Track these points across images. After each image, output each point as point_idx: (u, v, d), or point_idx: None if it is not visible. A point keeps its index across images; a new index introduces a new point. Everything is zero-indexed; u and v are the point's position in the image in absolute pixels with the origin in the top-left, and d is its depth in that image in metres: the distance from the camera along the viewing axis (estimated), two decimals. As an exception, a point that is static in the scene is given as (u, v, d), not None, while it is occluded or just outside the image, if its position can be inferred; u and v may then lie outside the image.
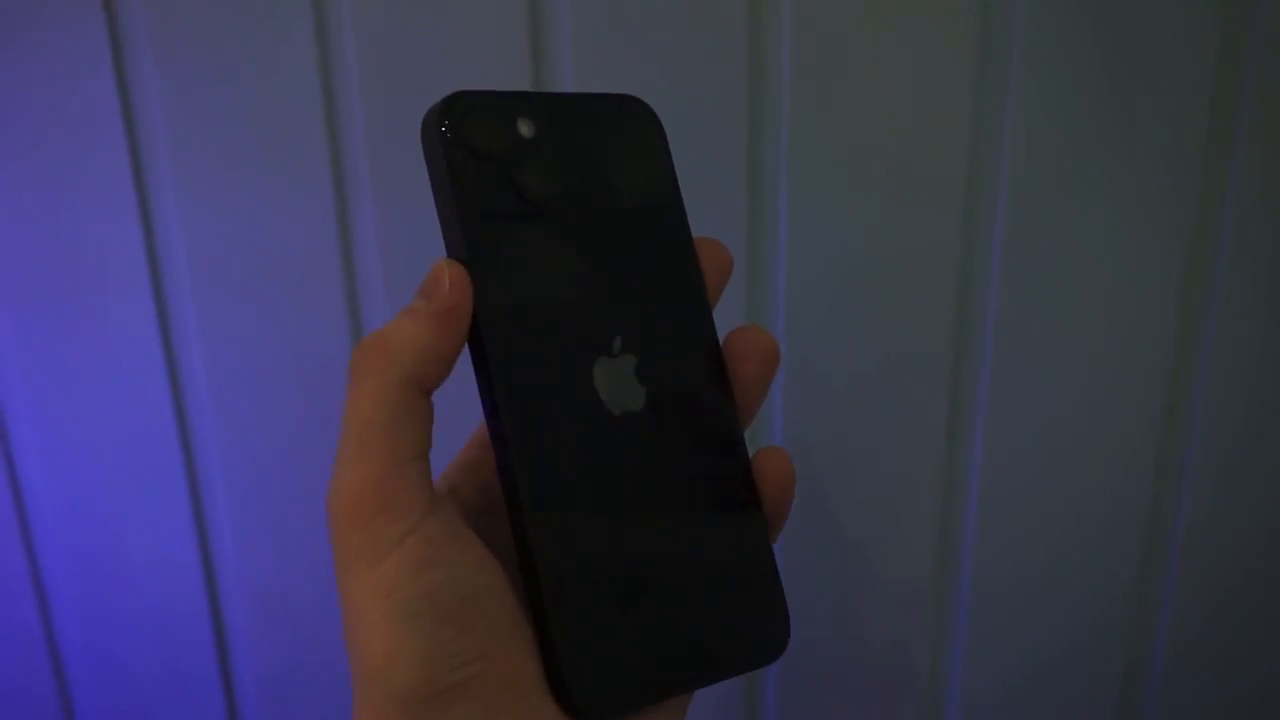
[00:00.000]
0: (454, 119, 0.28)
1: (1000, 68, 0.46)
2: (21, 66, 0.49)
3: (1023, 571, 0.53)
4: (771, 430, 0.51)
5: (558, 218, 0.29)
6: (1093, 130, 0.46)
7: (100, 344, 0.54)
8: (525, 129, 0.29)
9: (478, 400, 0.28)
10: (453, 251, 0.28)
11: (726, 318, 0.48)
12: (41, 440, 0.56)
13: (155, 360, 0.53)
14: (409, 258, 0.50)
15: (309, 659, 0.59)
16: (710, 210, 0.47)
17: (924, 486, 0.52)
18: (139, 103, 0.49)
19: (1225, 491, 0.51)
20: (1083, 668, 0.54)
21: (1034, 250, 0.48)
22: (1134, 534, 0.52)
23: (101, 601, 0.59)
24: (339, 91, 0.48)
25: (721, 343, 0.31)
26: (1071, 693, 0.55)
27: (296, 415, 0.53)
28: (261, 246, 0.51)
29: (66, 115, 0.50)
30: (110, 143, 0.50)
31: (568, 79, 0.47)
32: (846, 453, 0.51)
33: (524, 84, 0.47)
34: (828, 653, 0.55)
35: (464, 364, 0.28)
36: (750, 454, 0.31)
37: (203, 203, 0.50)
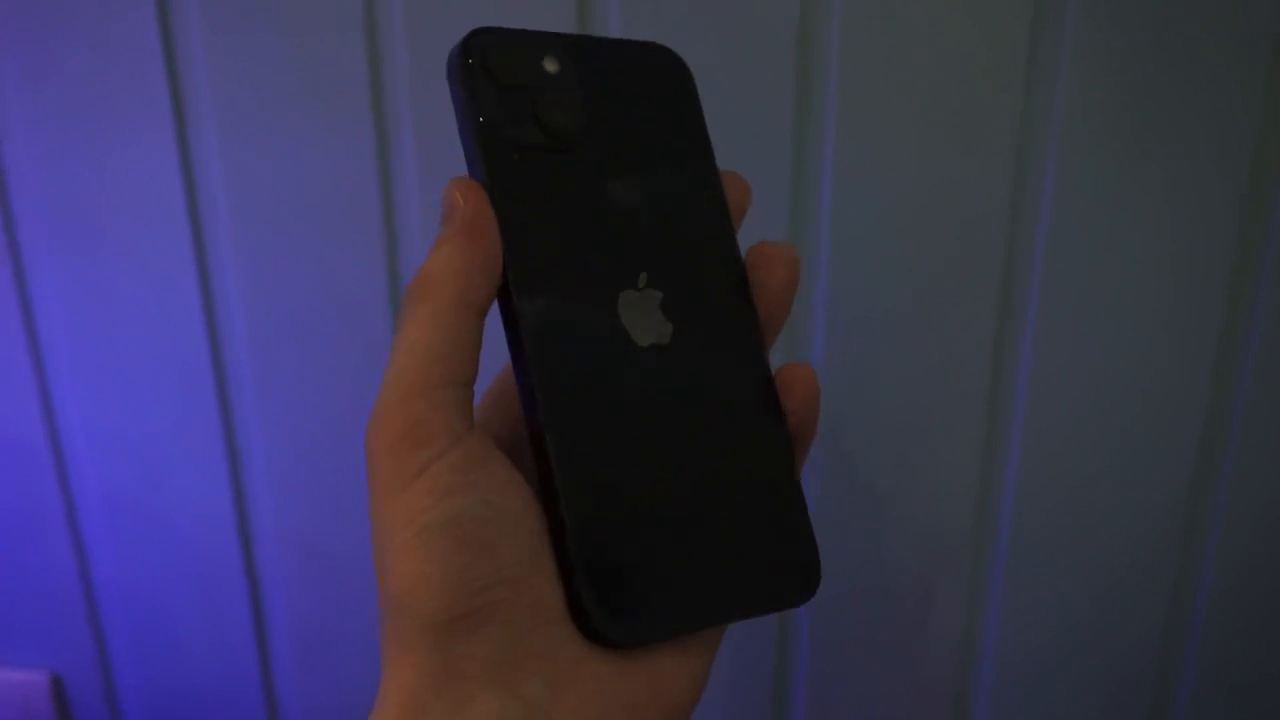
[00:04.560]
0: (478, 51, 0.28)
1: (1055, 21, 0.45)
2: (66, 4, 0.49)
3: (1062, 524, 0.52)
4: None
5: (581, 152, 0.29)
6: (1148, 89, 0.45)
7: (138, 284, 0.54)
8: (550, 65, 0.29)
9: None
10: (473, 179, 0.28)
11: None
12: (79, 380, 0.56)
13: (192, 301, 0.53)
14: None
15: (343, 605, 0.59)
16: (755, 155, 0.47)
17: (964, 437, 0.51)
18: (180, 40, 0.49)
19: (1271, 448, 0.50)
20: (1121, 624, 0.54)
21: (1083, 207, 0.47)
22: (1178, 486, 0.51)
23: (137, 543, 0.60)
24: (381, 30, 0.48)
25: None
26: (1109, 648, 0.54)
27: (334, 357, 0.53)
28: (301, 186, 0.50)
29: (109, 53, 0.50)
30: (151, 80, 0.50)
31: (613, 26, 0.46)
32: (886, 400, 0.51)
33: (568, 11, 0.46)
34: (861, 604, 0.55)
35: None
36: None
37: (242, 141, 0.50)
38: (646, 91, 0.30)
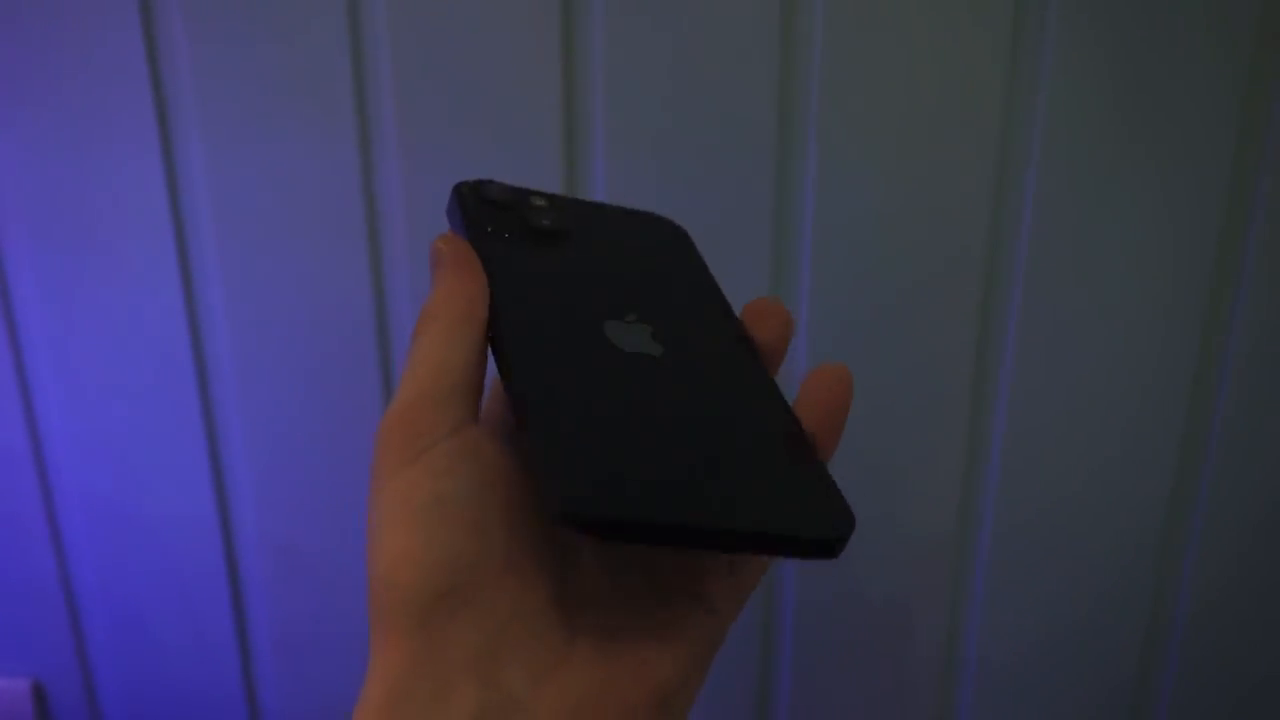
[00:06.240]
0: (473, 184, 0.32)
1: (1036, 26, 0.45)
2: (51, 11, 0.49)
3: (1044, 531, 0.52)
4: (792, 387, 0.51)
5: (569, 240, 0.31)
6: (1130, 90, 0.45)
7: (121, 288, 0.53)
8: (538, 200, 0.32)
9: None
10: None
11: (752, 273, 0.48)
12: (61, 387, 0.56)
13: (176, 308, 0.53)
14: (432, 210, 0.50)
15: (324, 608, 0.59)
16: (738, 158, 0.47)
17: (946, 445, 0.51)
18: (165, 48, 0.49)
19: (1251, 454, 0.50)
20: (1103, 631, 0.54)
21: (1065, 209, 0.47)
22: (1159, 493, 0.52)
23: (118, 548, 0.60)
24: (366, 41, 0.48)
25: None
26: (1090, 655, 0.55)
27: (317, 365, 0.53)
28: (285, 195, 0.50)
29: (94, 59, 0.49)
30: (136, 88, 0.49)
31: (598, 26, 0.46)
32: (868, 407, 0.51)
33: (552, 20, 0.46)
34: (844, 611, 0.55)
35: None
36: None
37: (227, 150, 0.50)
38: (639, 242, 0.33)
